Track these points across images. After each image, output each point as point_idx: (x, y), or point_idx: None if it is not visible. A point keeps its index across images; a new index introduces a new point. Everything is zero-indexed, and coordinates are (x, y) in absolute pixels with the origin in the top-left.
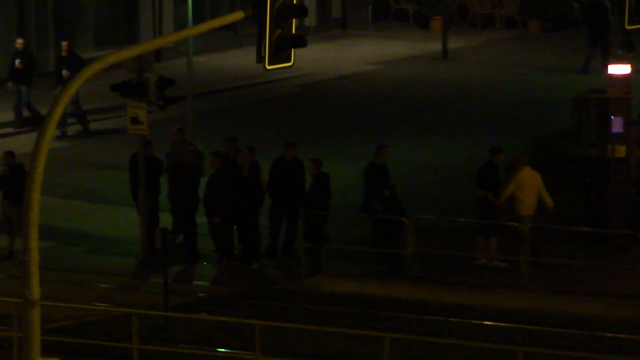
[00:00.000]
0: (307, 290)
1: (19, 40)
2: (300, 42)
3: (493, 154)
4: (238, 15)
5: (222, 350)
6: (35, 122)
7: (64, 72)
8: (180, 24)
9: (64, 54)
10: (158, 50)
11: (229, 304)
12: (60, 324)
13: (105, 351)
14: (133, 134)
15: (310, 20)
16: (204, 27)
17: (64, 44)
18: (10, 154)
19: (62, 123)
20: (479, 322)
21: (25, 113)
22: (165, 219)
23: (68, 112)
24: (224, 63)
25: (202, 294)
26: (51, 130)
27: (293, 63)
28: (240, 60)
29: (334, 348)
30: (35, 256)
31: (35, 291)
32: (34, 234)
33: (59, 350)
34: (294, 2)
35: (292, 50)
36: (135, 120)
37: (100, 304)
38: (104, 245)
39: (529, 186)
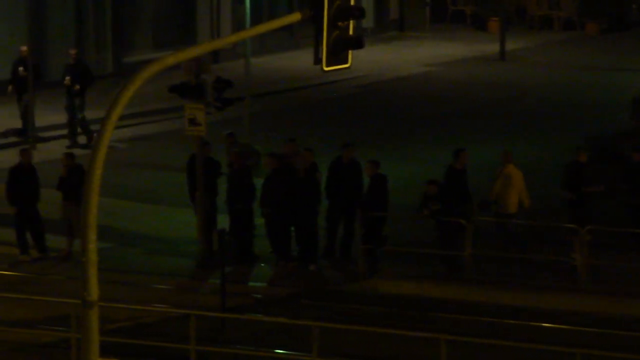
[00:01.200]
0: (364, 292)
1: (72, 52)
2: (357, 43)
3: (576, 154)
4: (295, 16)
5: (279, 351)
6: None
7: (67, 78)
8: (238, 26)
9: (71, 61)
10: (216, 52)
11: (286, 305)
12: (118, 325)
13: (163, 352)
14: (191, 135)
15: (368, 22)
16: (261, 28)
17: (72, 52)
18: (70, 156)
19: (73, 132)
20: (536, 323)
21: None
22: (223, 221)
23: (78, 120)
24: (281, 64)
25: (259, 295)
26: (109, 131)
27: (350, 64)
28: (297, 61)
29: (391, 350)
30: (93, 257)
31: (94, 292)
32: (92, 235)
33: (116, 351)
34: (352, 3)
35: (350, 51)
36: (193, 122)
37: (158, 305)
38: (162, 246)
39: (516, 183)
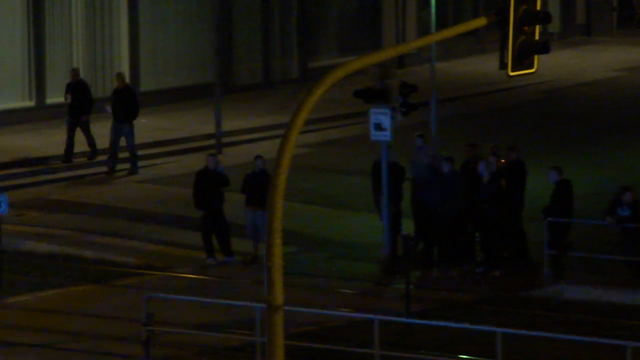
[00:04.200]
0: (549, 298)
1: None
2: (543, 48)
3: None
4: (481, 21)
5: (464, 357)
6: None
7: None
8: (423, 31)
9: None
10: (401, 57)
11: (471, 311)
12: (302, 329)
13: (347, 357)
14: (376, 140)
15: (554, 26)
16: (447, 33)
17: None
18: (260, 158)
19: (113, 155)
20: None
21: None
22: (408, 225)
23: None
24: (466, 69)
25: (443, 301)
26: (294, 136)
27: (536, 69)
28: (482, 66)
29: (577, 356)
30: (278, 261)
31: (279, 296)
32: (277, 239)
33: (301, 355)
34: (538, 8)
35: (535, 56)
36: (378, 127)
37: (342, 310)
38: (347, 251)
39: None
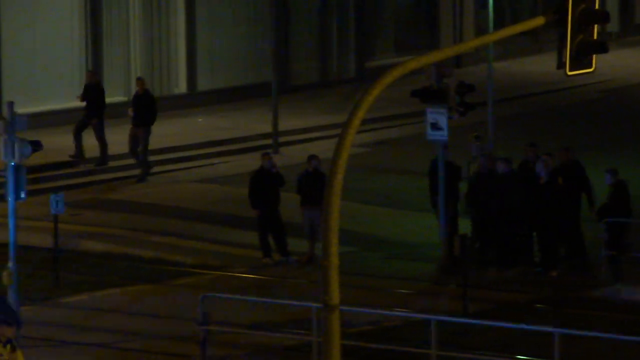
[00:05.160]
0: (606, 298)
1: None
2: (601, 48)
3: None
4: (539, 20)
5: (521, 357)
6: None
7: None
8: (480, 30)
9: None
10: (458, 56)
11: (528, 311)
12: (359, 329)
13: (404, 357)
14: (432, 139)
15: (613, 26)
16: (504, 32)
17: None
18: (315, 157)
19: (146, 163)
20: None
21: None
22: (465, 225)
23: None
24: (524, 69)
25: (500, 301)
26: (350, 136)
27: (594, 69)
28: (540, 66)
29: (634, 357)
30: (335, 261)
31: (335, 296)
32: (334, 239)
33: (358, 355)
34: (596, 7)
35: (594, 56)
36: (435, 126)
37: (399, 310)
38: (403, 250)
39: None
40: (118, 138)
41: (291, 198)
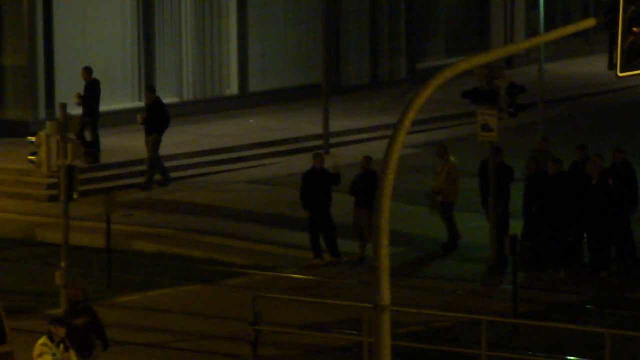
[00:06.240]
0: None
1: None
2: None
3: None
4: (590, 22)
5: (571, 358)
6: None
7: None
8: (531, 31)
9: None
10: (509, 58)
11: (578, 312)
12: (409, 329)
13: (454, 357)
14: (483, 140)
15: None
16: (555, 34)
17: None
18: (368, 159)
19: (163, 169)
20: None
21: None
22: (516, 226)
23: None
24: (575, 70)
25: (551, 302)
26: (402, 137)
27: None
28: (591, 67)
29: None
30: (385, 262)
31: (386, 297)
32: (384, 240)
33: (408, 355)
34: None
35: None
36: (485, 127)
37: (449, 310)
38: (454, 251)
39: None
40: (173, 139)
41: (343, 199)
